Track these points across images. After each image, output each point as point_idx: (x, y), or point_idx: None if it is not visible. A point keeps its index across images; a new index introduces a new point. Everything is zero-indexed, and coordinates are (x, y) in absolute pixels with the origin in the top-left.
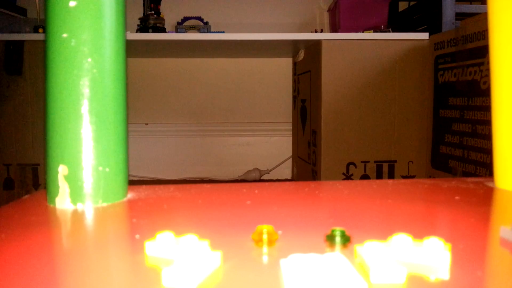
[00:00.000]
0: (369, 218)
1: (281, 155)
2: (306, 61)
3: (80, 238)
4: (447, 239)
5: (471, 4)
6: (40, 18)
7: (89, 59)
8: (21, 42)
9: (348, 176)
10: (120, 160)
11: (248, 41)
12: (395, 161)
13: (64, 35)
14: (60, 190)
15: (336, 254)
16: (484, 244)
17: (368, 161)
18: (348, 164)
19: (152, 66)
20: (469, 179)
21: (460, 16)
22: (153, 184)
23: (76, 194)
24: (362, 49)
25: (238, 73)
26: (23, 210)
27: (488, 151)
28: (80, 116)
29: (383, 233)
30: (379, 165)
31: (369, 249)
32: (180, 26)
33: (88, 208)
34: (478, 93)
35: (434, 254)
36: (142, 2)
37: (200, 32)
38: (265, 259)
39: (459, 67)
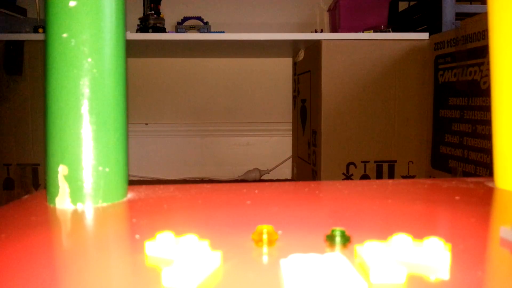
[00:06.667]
0: (369, 218)
1: (281, 155)
2: (306, 61)
3: (80, 238)
4: (447, 239)
5: (471, 4)
6: (40, 18)
7: (89, 59)
8: (21, 42)
9: (348, 176)
10: (120, 160)
11: (248, 41)
12: (395, 161)
13: (64, 35)
14: (60, 190)
15: (336, 254)
16: (484, 244)
17: (368, 161)
18: (348, 164)
19: (152, 66)
20: (469, 179)
21: (460, 16)
22: (153, 184)
23: (76, 194)
24: (362, 49)
25: (238, 73)
26: (23, 210)
27: (488, 151)
28: (80, 116)
29: (383, 233)
30: (379, 165)
31: (369, 249)
32: (180, 26)
33: (88, 208)
34: (478, 93)
35: (434, 254)
36: (142, 2)
37: (200, 32)
38: (265, 259)
39: (459, 67)
